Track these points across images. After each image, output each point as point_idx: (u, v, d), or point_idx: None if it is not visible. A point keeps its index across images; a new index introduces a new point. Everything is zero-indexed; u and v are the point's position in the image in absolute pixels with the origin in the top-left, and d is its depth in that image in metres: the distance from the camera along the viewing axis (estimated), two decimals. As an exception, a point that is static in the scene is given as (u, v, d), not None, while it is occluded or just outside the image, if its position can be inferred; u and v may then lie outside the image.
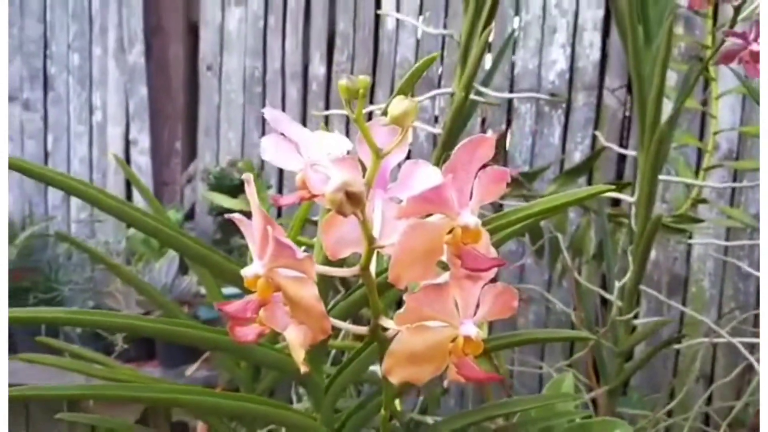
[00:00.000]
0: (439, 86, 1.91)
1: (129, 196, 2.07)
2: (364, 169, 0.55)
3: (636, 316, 1.20)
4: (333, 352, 1.12)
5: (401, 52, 1.95)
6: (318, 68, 2.01)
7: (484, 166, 0.49)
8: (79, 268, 1.72)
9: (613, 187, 0.62)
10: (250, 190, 0.49)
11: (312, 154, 0.55)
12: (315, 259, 0.69)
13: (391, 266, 0.48)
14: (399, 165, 0.55)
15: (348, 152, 0.57)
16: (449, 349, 0.50)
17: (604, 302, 1.39)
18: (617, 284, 1.16)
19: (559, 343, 1.77)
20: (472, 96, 1.21)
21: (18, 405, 1.72)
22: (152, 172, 2.08)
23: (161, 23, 2.07)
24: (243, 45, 2.04)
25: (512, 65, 1.89)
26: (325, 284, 0.69)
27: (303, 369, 0.57)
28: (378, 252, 0.54)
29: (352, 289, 0.72)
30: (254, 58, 2.03)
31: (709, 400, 1.67)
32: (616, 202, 1.61)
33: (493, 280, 0.53)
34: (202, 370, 1.54)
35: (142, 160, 2.07)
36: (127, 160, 2.08)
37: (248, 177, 0.49)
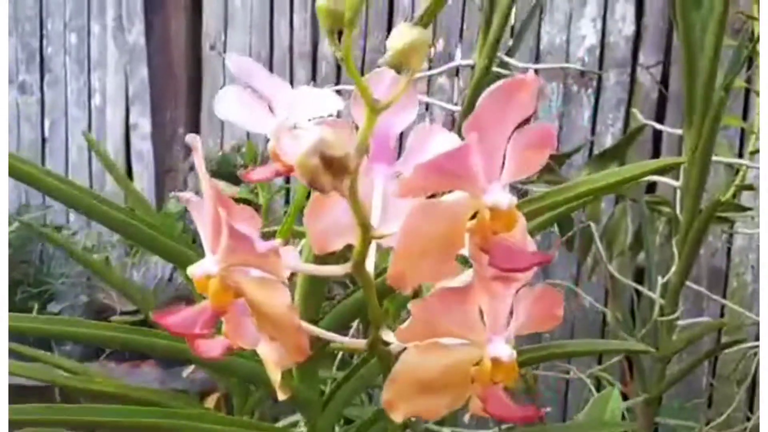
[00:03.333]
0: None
1: (129, 184, 1.95)
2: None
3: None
4: (340, 354, 0.99)
5: (417, 27, 1.82)
6: (328, 48, 1.88)
7: (521, 124, 0.35)
8: (72, 260, 1.61)
9: (672, 161, 0.49)
10: (198, 159, 0.36)
11: (290, 115, 0.41)
12: (305, 254, 0.56)
13: (391, 262, 0.35)
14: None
15: (338, 114, 0.44)
16: (472, 375, 0.36)
17: (639, 296, 1.25)
18: (660, 280, 1.02)
19: (590, 343, 1.63)
20: (494, 68, 1.06)
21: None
22: (154, 158, 1.96)
23: (162, -1, 1.95)
24: (248, 21, 1.91)
25: (538, 40, 1.75)
26: (317, 286, 0.56)
27: (281, 395, 0.44)
28: (380, 245, 0.41)
29: (352, 289, 0.59)
30: (260, 36, 1.91)
31: (750, 406, 1.54)
32: (651, 188, 1.47)
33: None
34: (200, 371, 1.42)
35: (143, 145, 1.96)
36: (128, 145, 1.97)
37: (194, 142, 0.36)
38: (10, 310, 1.64)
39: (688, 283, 1.05)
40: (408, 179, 0.32)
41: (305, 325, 0.45)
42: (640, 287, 1.12)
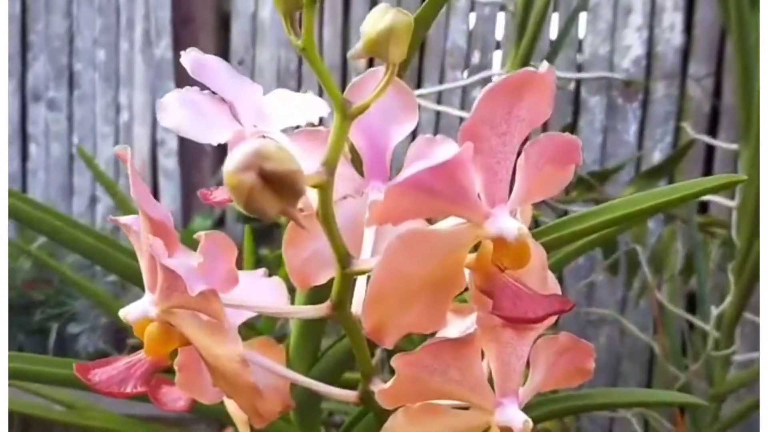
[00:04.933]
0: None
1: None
2: (358, 163, 0.34)
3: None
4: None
5: (452, 37, 1.74)
6: (358, 60, 1.81)
7: (544, 128, 0.27)
8: (94, 280, 1.56)
9: (732, 178, 0.40)
10: (131, 172, 0.29)
11: (258, 122, 0.34)
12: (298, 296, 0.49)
13: (364, 310, 0.27)
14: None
15: (321, 123, 0.37)
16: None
17: (690, 326, 1.15)
18: (714, 311, 0.92)
19: (634, 375, 1.52)
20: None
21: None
22: (180, 175, 1.91)
23: (191, 14, 1.91)
24: (276, 36, 1.86)
25: (578, 50, 1.66)
26: (313, 325, 0.49)
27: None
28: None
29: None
30: (289, 50, 1.85)
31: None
32: (703, 209, 1.36)
33: (555, 321, 0.31)
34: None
35: (169, 162, 1.92)
36: (154, 162, 1.93)
37: (124, 153, 0.29)
38: (29, 330, 1.59)
39: (745, 314, 0.95)
40: (380, 203, 0.24)
41: (289, 374, 0.38)
42: (690, 317, 1.01)
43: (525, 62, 0.91)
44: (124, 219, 0.31)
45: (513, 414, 0.30)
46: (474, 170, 0.26)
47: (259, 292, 0.42)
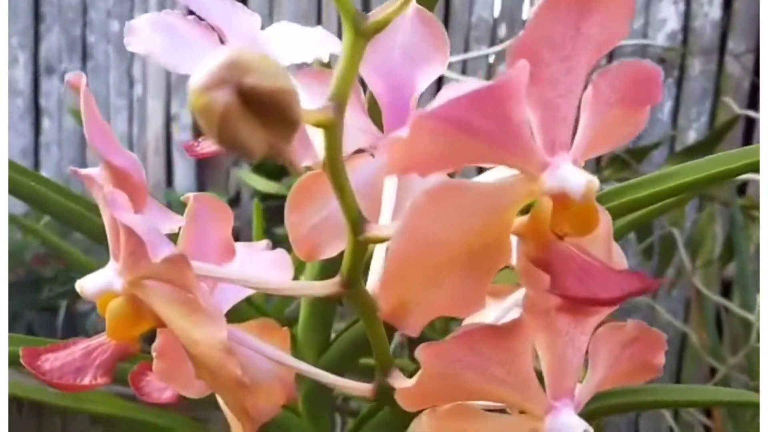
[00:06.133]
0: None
1: (170, 180, 1.86)
2: (376, 113, 0.32)
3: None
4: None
5: (477, 10, 1.66)
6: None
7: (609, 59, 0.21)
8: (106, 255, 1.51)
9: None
10: (86, 106, 0.23)
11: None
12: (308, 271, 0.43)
13: (382, 285, 0.21)
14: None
15: (330, 62, 0.30)
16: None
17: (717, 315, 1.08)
18: (761, 301, 0.85)
19: (666, 365, 1.45)
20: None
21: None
22: (195, 151, 1.86)
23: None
24: (294, 10, 1.79)
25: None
26: (324, 305, 0.43)
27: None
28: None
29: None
30: (307, 22, 1.79)
31: None
32: (740, 191, 1.29)
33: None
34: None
35: (183, 137, 1.86)
36: (168, 137, 1.87)
37: (76, 80, 0.22)
38: (39, 308, 1.54)
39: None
40: (401, 142, 0.18)
41: (292, 362, 0.32)
42: (732, 305, 0.95)
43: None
44: (86, 170, 0.25)
45: (569, 420, 0.23)
46: (525, 102, 0.20)
47: (259, 266, 0.36)
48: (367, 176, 0.32)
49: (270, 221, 1.56)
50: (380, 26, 0.21)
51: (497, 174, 0.22)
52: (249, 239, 0.90)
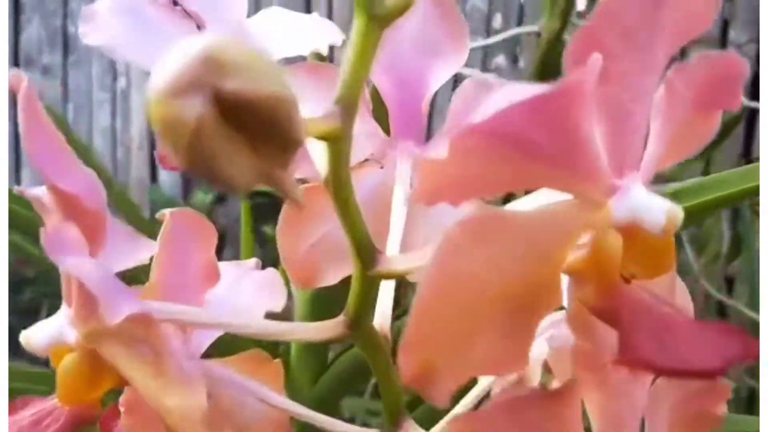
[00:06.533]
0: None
1: (154, 175, 1.81)
2: (382, 115, 0.28)
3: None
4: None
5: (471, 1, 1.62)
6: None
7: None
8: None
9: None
10: (27, 117, 0.18)
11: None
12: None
13: (405, 342, 0.16)
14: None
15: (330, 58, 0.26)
16: None
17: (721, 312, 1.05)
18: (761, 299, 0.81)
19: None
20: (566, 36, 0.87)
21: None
22: (182, 146, 1.81)
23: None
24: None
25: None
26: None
27: None
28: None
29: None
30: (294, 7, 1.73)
31: None
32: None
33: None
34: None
35: (170, 132, 1.81)
36: (152, 132, 1.82)
37: (16, 80, 0.18)
38: (20, 309, 1.49)
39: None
40: (436, 164, 0.13)
41: (286, 404, 0.28)
42: (744, 308, 0.91)
43: (566, 12, 0.80)
44: (33, 190, 0.20)
45: None
46: (593, 109, 0.15)
47: (247, 290, 0.31)
48: (371, 190, 0.28)
49: (258, 219, 1.51)
50: (401, 10, 0.16)
51: (538, 200, 0.18)
52: (236, 237, 0.84)
